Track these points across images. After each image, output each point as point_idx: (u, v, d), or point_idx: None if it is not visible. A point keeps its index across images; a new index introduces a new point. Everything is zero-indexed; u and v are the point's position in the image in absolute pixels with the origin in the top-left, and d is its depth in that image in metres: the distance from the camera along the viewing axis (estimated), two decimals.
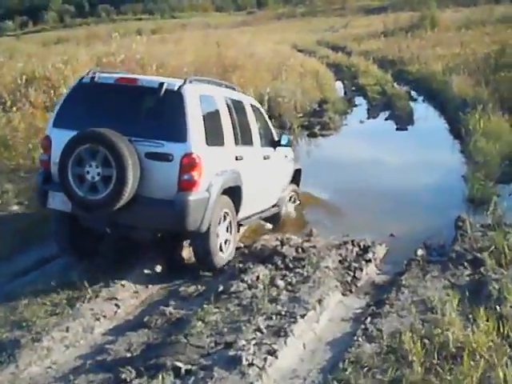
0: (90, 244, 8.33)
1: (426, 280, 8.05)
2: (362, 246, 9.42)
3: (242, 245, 9.41)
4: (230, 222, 8.26)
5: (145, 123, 7.64)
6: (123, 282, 7.79)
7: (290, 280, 7.72)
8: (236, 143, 8.45)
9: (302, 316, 6.68)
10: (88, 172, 7.13)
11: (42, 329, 6.54)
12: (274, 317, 6.67)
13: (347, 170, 14.66)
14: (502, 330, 6.08)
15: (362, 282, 8.33)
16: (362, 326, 6.62)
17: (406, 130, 20.08)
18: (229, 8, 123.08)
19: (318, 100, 23.47)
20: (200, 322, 6.58)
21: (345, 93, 27.95)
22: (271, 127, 10.51)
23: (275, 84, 21.67)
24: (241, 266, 8.22)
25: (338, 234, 10.25)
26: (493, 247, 8.89)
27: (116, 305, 7.36)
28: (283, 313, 6.76)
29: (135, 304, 7.66)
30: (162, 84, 7.48)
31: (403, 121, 20.94)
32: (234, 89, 9.57)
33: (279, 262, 8.32)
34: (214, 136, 7.76)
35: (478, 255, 8.72)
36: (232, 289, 7.45)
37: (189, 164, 7.18)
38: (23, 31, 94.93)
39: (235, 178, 8.19)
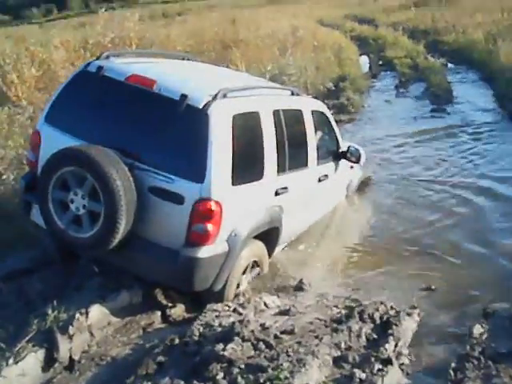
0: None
1: None
2: (378, 320, 5.58)
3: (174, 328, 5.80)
4: (259, 266, 6.64)
5: (155, 146, 5.82)
6: None
7: None
8: (280, 172, 6.58)
9: None
10: (72, 201, 5.62)
11: None
12: None
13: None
14: None
15: None
16: None
17: (445, 111, 15.98)
18: None
19: (335, 77, 19.54)
20: None
21: (369, 68, 24.26)
22: (337, 135, 8.58)
23: (282, 60, 17.97)
24: None
25: (341, 287, 6.81)
26: None
27: None
28: None
29: None
30: (184, 97, 5.65)
31: (440, 100, 17.02)
32: (292, 93, 7.46)
33: (220, 378, 4.48)
34: (247, 170, 6.03)
35: None
36: None
37: (203, 213, 5.55)
38: (47, 18, 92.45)
39: (271, 220, 6.45)
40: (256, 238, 6.26)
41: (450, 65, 23.15)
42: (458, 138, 13.37)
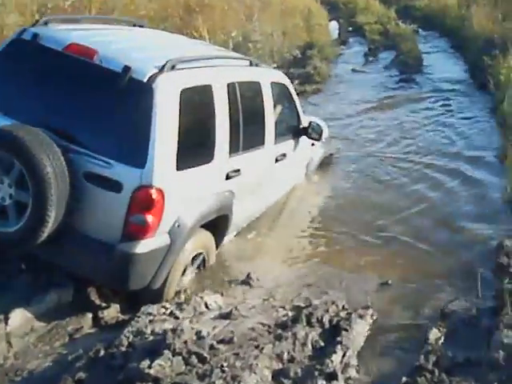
0: None
1: None
2: (327, 324, 5.14)
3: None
4: (204, 258, 6.03)
5: (94, 125, 5.25)
6: None
7: None
8: (233, 152, 6.04)
9: None
10: None
11: None
12: None
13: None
14: None
15: None
16: None
17: (414, 81, 15.45)
18: None
19: (302, 44, 18.85)
20: None
21: (339, 34, 23.60)
22: (298, 110, 7.94)
23: (248, 26, 17.21)
24: None
25: (292, 282, 6.27)
26: None
27: None
28: None
29: None
30: (127, 69, 5.06)
31: (409, 68, 16.50)
32: (250, 63, 6.85)
33: None
34: (194, 153, 5.51)
35: None
36: None
37: (143, 202, 5.02)
38: None
39: (221, 207, 5.93)
40: (202, 226, 5.74)
41: (421, 31, 22.60)
42: (427, 111, 12.93)
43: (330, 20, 25.69)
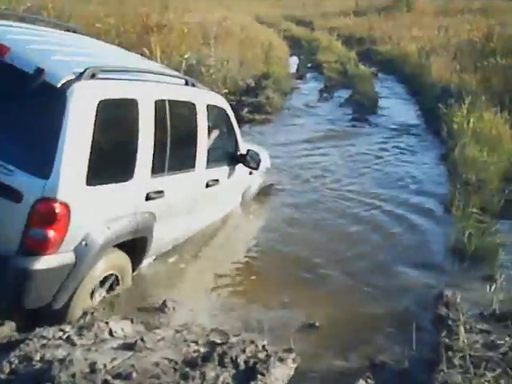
0: None
1: None
2: (242, 366, 4.52)
3: None
4: (118, 280, 5.61)
5: None
6: None
7: None
8: (156, 173, 5.72)
9: None
10: None
11: None
12: None
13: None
14: None
15: None
16: None
17: (366, 121, 15.24)
18: None
19: (259, 74, 18.76)
20: None
21: (297, 69, 23.68)
22: (237, 136, 7.71)
23: (205, 50, 17.15)
24: None
25: (211, 314, 5.80)
26: None
27: None
28: None
29: None
30: (39, 71, 4.65)
31: (363, 109, 16.23)
32: (186, 82, 6.58)
33: None
34: (110, 168, 5.16)
35: None
36: None
37: (44, 215, 4.64)
38: None
39: (138, 229, 5.52)
40: (118, 247, 5.39)
41: (380, 75, 22.74)
42: (377, 151, 12.56)
43: (291, 55, 26.19)
